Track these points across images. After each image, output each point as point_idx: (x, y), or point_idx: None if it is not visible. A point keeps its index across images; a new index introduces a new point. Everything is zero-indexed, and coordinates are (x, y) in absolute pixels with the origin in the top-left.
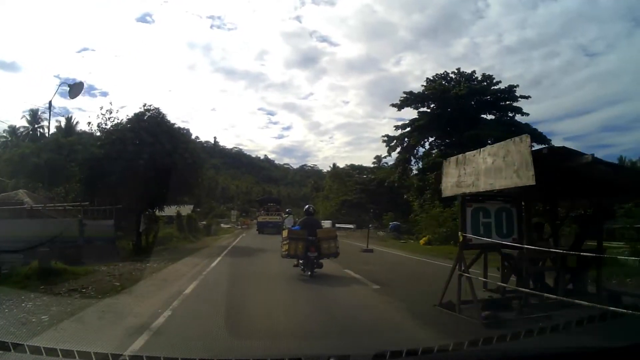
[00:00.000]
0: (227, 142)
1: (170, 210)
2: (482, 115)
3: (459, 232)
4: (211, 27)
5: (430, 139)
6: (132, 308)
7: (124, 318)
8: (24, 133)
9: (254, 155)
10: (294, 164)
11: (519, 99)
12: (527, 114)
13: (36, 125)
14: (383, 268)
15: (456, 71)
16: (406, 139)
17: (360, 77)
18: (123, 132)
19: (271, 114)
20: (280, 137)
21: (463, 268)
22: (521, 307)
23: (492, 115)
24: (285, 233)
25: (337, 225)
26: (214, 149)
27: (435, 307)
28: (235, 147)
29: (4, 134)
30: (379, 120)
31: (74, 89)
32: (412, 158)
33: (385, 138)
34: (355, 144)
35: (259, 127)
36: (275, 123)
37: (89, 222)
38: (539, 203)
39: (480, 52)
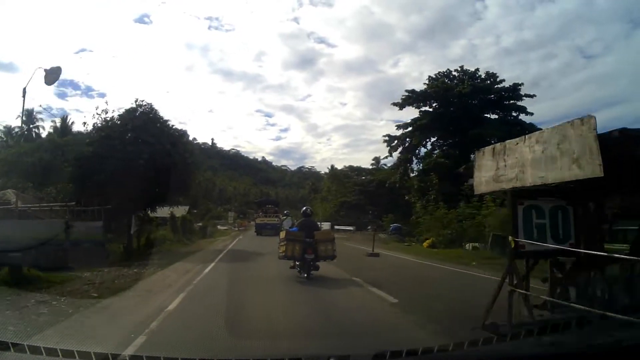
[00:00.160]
0: (225, 143)
1: (164, 212)
2: (485, 115)
3: (509, 238)
4: (209, 28)
5: (432, 139)
6: (99, 331)
7: (84, 343)
8: (19, 133)
9: (251, 157)
10: (292, 165)
11: (524, 97)
12: (532, 114)
13: (31, 126)
14: (396, 275)
15: (459, 69)
16: (408, 139)
17: (358, 78)
18: (113, 128)
19: (269, 115)
20: (278, 138)
21: (515, 282)
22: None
23: (495, 114)
24: (282, 234)
25: (337, 227)
26: (211, 151)
27: (477, 329)
28: (233, 149)
29: (0, 135)
30: (376, 122)
31: (51, 74)
32: (413, 158)
33: (387, 138)
34: (353, 146)
35: (256, 128)
36: (272, 125)
37: (77, 224)
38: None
39: (478, 53)
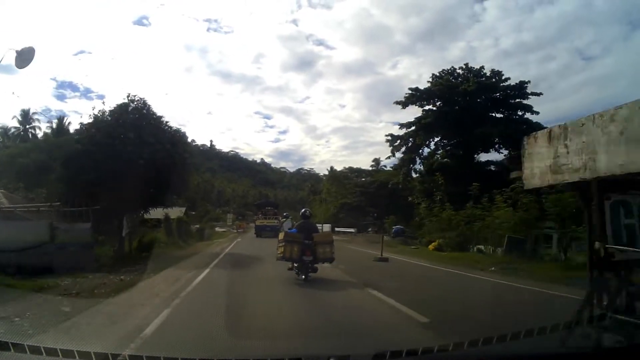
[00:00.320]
0: (224, 145)
1: (159, 213)
2: (490, 114)
3: (596, 244)
4: (208, 30)
5: (436, 139)
6: None
7: None
8: (15, 134)
9: (250, 159)
10: (291, 167)
11: (530, 96)
12: (537, 113)
13: (27, 126)
14: (415, 285)
15: (464, 67)
16: (411, 139)
17: (356, 80)
18: (103, 125)
19: (267, 117)
20: (277, 140)
21: (606, 303)
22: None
23: (500, 114)
24: (281, 235)
25: (337, 229)
26: (210, 152)
27: None
28: (232, 151)
29: None
30: (375, 125)
31: (23, 55)
32: (417, 158)
33: (389, 137)
34: (351, 148)
35: (255, 130)
36: (271, 127)
37: (64, 226)
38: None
39: (477, 55)
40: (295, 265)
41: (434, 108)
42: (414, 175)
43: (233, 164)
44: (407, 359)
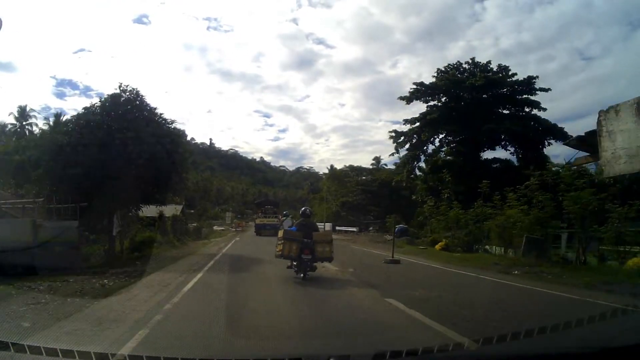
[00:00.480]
0: (223, 144)
1: (154, 211)
2: (497, 110)
3: None
4: (208, 28)
5: (441, 136)
6: None
7: None
8: (11, 130)
9: (249, 157)
10: (290, 166)
11: (537, 91)
12: (545, 109)
13: (24, 123)
14: (439, 293)
15: (470, 61)
16: (415, 135)
17: (356, 79)
18: (93, 116)
19: (267, 116)
20: (276, 139)
21: None
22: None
23: (507, 110)
24: (280, 233)
25: (338, 228)
26: (209, 151)
27: None
28: (231, 149)
29: None
30: (374, 123)
31: None
32: (421, 155)
33: (393, 134)
34: (351, 147)
35: (254, 129)
36: (271, 125)
37: (49, 224)
38: None
39: (476, 55)
40: (294, 263)
41: (439, 104)
42: (417, 173)
43: (232, 162)
44: (407, 359)
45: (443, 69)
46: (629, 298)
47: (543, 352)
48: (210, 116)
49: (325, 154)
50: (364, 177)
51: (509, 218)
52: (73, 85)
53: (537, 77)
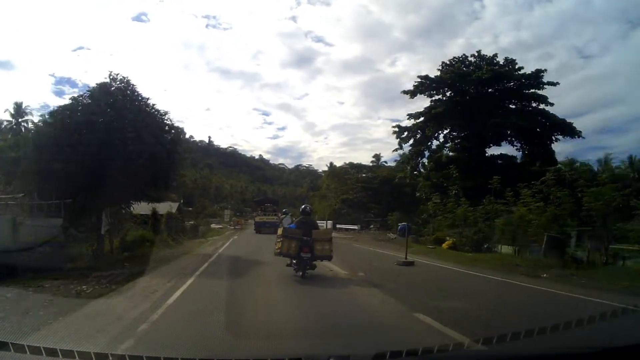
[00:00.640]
0: (222, 142)
1: (149, 208)
2: (503, 105)
3: None
4: (207, 26)
5: (445, 131)
6: None
7: None
8: (7, 127)
9: (248, 155)
10: (289, 164)
11: (545, 85)
12: (552, 104)
13: (20, 120)
14: (477, 306)
15: (476, 54)
16: (419, 131)
17: (355, 77)
18: (79, 106)
19: (266, 114)
20: (275, 137)
21: None
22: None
23: (513, 105)
24: (280, 231)
25: (339, 225)
26: (208, 149)
27: None
28: (230, 147)
29: None
30: (373, 121)
31: None
32: (426, 151)
33: (396, 129)
34: (350, 145)
35: (254, 127)
36: (270, 123)
37: (31, 222)
38: None
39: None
40: (294, 261)
41: (444, 98)
42: (421, 169)
43: (231, 160)
44: (407, 359)
45: (448, 62)
46: None
47: (543, 352)
48: (209, 114)
49: (324, 152)
50: (363, 175)
51: (524, 216)
52: (72, 83)
53: (545, 70)
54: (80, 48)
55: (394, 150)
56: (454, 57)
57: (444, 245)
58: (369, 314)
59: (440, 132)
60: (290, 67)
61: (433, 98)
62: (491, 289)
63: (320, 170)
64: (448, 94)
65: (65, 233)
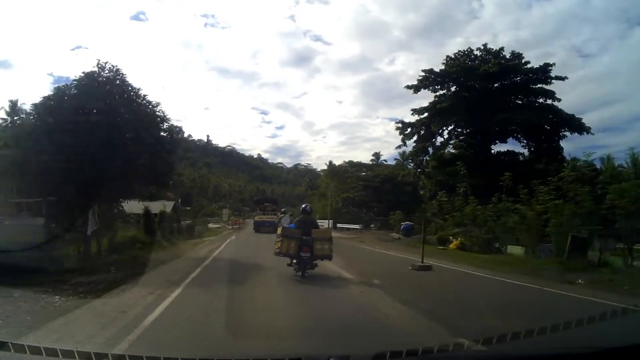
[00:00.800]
0: (221, 141)
1: (140, 208)
2: (510, 100)
3: None
4: (205, 25)
5: (449, 127)
6: None
7: None
8: (2, 125)
9: (247, 154)
10: (288, 163)
11: (553, 80)
12: (559, 99)
13: (15, 118)
14: (528, 325)
15: (482, 47)
16: (424, 127)
17: (354, 76)
18: (65, 96)
19: (264, 113)
20: (274, 136)
21: None
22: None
23: (519, 100)
24: (279, 230)
25: (340, 225)
26: (207, 148)
27: None
28: (229, 146)
29: None
30: (372, 120)
31: None
32: (430, 148)
33: (399, 125)
34: (349, 144)
35: (252, 126)
36: (268, 122)
37: (9, 221)
38: None
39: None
40: (294, 261)
41: (448, 93)
42: (425, 167)
43: (230, 159)
44: (407, 359)
45: (453, 56)
46: None
47: (543, 352)
48: (208, 113)
49: (322, 151)
50: (363, 173)
51: (540, 214)
52: (70, 82)
53: (554, 64)
54: (79, 47)
55: (397, 147)
56: (459, 51)
57: (452, 246)
58: (400, 336)
59: (445, 128)
60: (288, 66)
61: (437, 93)
62: (526, 299)
63: (318, 169)
64: (453, 88)
65: (49, 233)
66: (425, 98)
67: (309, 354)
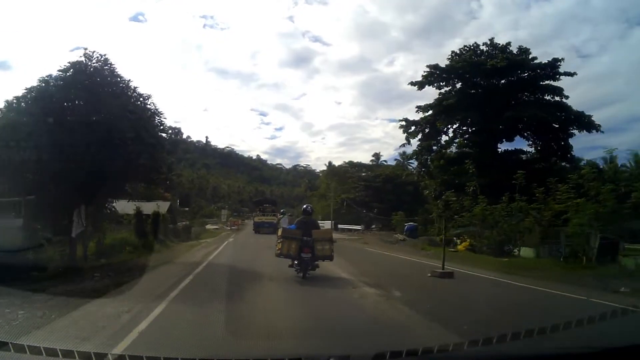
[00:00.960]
0: (219, 142)
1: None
2: (517, 97)
3: None
4: (204, 26)
5: (454, 125)
6: None
7: None
8: None
9: (246, 155)
10: (287, 164)
11: (561, 76)
12: (567, 96)
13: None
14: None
15: (488, 42)
16: (428, 125)
17: (353, 77)
18: (48, 87)
19: (263, 114)
20: (273, 137)
21: None
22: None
23: (526, 97)
24: (280, 232)
25: (341, 225)
26: (205, 149)
27: None
28: (228, 147)
29: None
30: (371, 121)
31: None
32: (435, 146)
33: (404, 122)
34: (348, 145)
35: (251, 127)
36: (267, 123)
37: None
38: None
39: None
40: (295, 262)
41: (453, 91)
42: (430, 166)
43: (229, 160)
44: (407, 359)
45: (458, 52)
46: None
47: (543, 352)
48: (207, 114)
49: (321, 152)
50: (363, 174)
51: (559, 214)
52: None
53: (563, 59)
54: (78, 48)
55: (401, 146)
56: (465, 46)
57: (460, 247)
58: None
59: (450, 126)
60: (287, 67)
61: (442, 90)
62: (600, 318)
63: (318, 170)
64: (458, 85)
65: (31, 236)
66: (426, 98)
67: (309, 354)
